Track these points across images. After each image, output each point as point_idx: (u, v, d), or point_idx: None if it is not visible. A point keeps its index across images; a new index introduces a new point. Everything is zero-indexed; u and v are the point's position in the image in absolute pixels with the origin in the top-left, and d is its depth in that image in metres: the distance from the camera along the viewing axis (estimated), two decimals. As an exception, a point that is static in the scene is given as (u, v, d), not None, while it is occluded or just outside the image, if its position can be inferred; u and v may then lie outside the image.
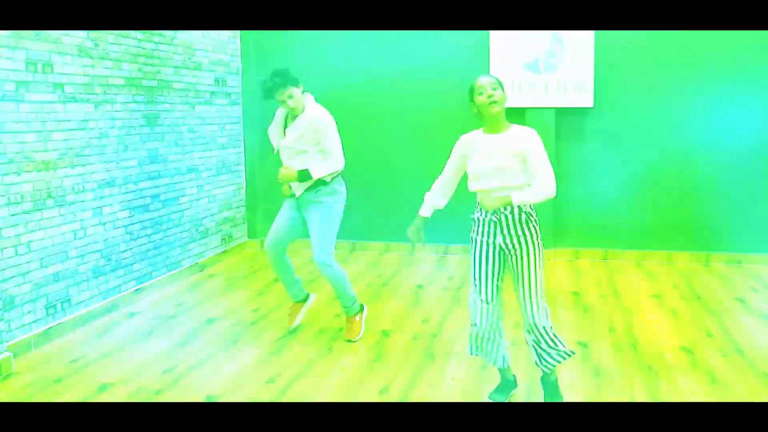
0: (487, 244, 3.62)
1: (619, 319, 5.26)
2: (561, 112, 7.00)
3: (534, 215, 3.63)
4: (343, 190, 4.76)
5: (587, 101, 6.85)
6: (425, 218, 3.91)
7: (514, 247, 3.58)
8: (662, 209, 7.04)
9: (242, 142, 7.66)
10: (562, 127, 7.03)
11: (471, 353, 3.79)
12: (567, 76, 6.83)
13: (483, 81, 3.55)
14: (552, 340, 3.63)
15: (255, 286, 6.28)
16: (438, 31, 7.10)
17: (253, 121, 7.65)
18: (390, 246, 7.51)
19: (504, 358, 3.76)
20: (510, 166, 3.52)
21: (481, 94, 3.52)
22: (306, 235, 4.77)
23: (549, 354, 3.65)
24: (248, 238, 7.84)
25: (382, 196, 7.41)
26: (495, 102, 3.50)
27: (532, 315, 3.58)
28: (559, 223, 7.14)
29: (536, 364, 3.73)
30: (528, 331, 3.65)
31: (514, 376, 3.96)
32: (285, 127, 4.73)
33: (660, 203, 7.04)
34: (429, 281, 6.38)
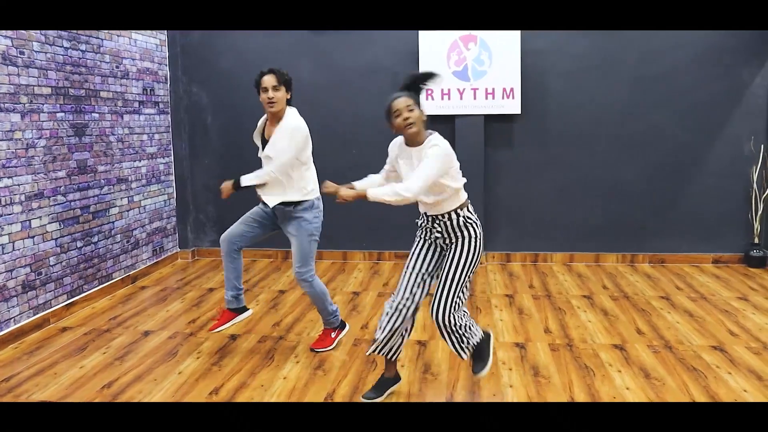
0: (423, 240, 3.88)
1: (554, 320, 5.39)
2: (490, 119, 7.13)
3: (472, 219, 3.79)
4: (321, 205, 4.65)
5: (515, 108, 7.00)
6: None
7: (449, 244, 3.79)
8: (589, 212, 7.25)
9: (171, 151, 7.55)
10: (490, 133, 7.17)
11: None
12: (495, 83, 6.96)
13: (398, 104, 3.59)
14: (450, 334, 3.77)
15: (189, 296, 6.19)
16: (369, 38, 7.16)
17: (181, 131, 7.57)
18: (323, 254, 7.51)
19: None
20: None
21: (397, 116, 3.59)
22: (263, 245, 4.76)
23: (453, 342, 3.79)
24: (179, 248, 7.72)
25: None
26: (411, 124, 3.58)
27: (432, 308, 3.72)
28: (491, 227, 7.27)
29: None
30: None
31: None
32: (263, 135, 4.63)
33: (587, 206, 7.25)
34: (364, 287, 6.41)
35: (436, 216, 3.72)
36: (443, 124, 7.08)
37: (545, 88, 7.12)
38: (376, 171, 7.42)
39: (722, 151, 7.01)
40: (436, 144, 3.58)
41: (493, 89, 6.95)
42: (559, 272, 6.92)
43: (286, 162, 4.38)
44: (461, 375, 4.33)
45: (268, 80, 4.38)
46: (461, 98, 6.97)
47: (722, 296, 5.98)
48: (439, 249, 3.84)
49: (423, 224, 3.83)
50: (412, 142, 3.67)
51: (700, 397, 3.97)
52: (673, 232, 7.20)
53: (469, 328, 3.81)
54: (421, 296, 3.82)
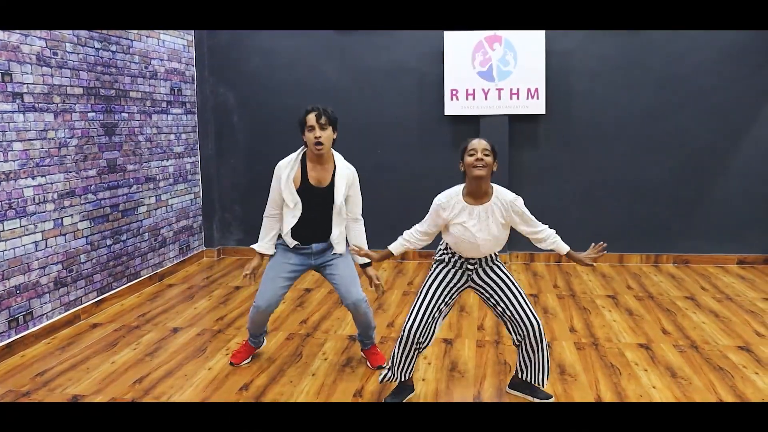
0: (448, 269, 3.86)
1: (578, 319, 5.41)
2: (514, 119, 7.16)
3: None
4: None
5: (539, 108, 7.02)
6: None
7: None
8: (613, 213, 7.25)
9: (198, 151, 7.64)
10: (515, 133, 7.19)
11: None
12: (520, 83, 6.98)
13: (477, 144, 3.60)
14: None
15: (216, 294, 6.27)
16: (393, 40, 7.21)
17: (208, 130, 7.66)
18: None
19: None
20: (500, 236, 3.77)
21: (471, 155, 3.57)
22: None
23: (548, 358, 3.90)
24: (205, 247, 7.81)
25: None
26: (482, 167, 3.56)
27: (534, 325, 3.79)
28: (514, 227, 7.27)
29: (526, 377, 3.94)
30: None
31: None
32: (304, 180, 4.21)
33: (610, 207, 7.25)
34: (389, 286, 6.46)
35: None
36: (468, 124, 7.12)
37: (570, 89, 7.13)
38: (401, 172, 7.45)
39: (747, 152, 6.99)
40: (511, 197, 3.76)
41: (518, 89, 6.97)
42: (583, 272, 6.93)
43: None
44: (488, 372, 4.36)
45: (319, 121, 4.06)
46: (486, 98, 7.00)
47: (747, 297, 5.96)
48: (465, 278, 3.85)
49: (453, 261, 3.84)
50: (477, 191, 3.63)
51: (728, 397, 3.97)
52: (698, 233, 7.18)
53: None
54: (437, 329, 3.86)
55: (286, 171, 4.17)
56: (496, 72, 7.00)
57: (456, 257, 3.80)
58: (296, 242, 4.26)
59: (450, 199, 3.66)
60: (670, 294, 6.09)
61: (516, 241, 7.33)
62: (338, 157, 4.28)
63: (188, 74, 7.45)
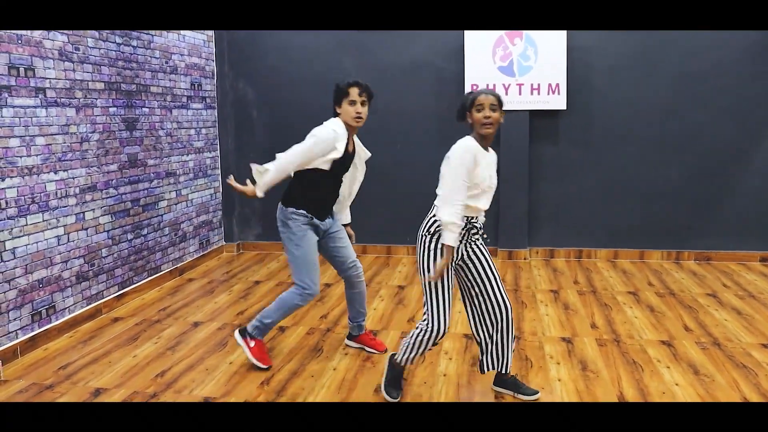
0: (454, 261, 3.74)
1: (600, 316, 5.38)
2: (535, 115, 7.12)
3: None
4: None
5: (560, 104, 6.98)
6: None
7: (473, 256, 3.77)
8: (634, 208, 7.21)
9: (218, 145, 7.66)
10: (536, 129, 7.15)
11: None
12: (540, 79, 6.95)
13: (484, 99, 3.56)
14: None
15: (236, 289, 6.29)
16: (414, 35, 7.19)
17: (227, 125, 7.68)
18: (367, 248, 7.56)
19: None
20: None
21: (479, 110, 3.55)
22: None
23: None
24: (225, 242, 7.84)
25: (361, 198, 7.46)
26: (491, 123, 3.54)
27: (508, 309, 3.80)
28: (534, 222, 7.27)
29: (500, 367, 3.93)
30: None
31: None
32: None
33: (631, 203, 7.21)
34: (409, 281, 6.45)
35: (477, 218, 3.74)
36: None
37: (591, 85, 7.08)
38: (421, 167, 7.43)
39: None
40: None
41: (539, 85, 6.94)
42: (604, 268, 6.89)
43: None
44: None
45: (357, 92, 4.19)
46: (506, 93, 6.96)
47: (771, 294, 5.92)
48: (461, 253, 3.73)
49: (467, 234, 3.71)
50: (486, 142, 3.63)
51: (752, 395, 3.94)
52: (719, 230, 7.12)
53: None
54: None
55: (342, 143, 4.19)
56: (516, 67, 6.96)
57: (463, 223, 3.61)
58: (312, 216, 4.26)
59: (475, 148, 3.55)
60: (692, 291, 6.05)
61: (536, 237, 7.32)
62: None
63: (208, 69, 7.47)
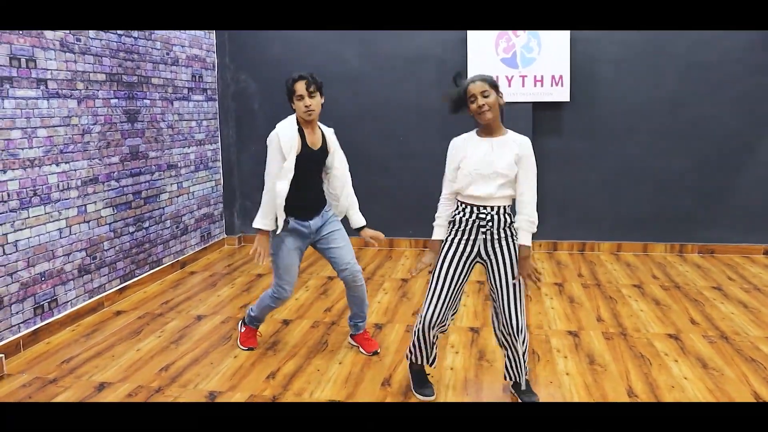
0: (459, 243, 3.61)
1: (605, 309, 5.35)
2: (538, 107, 7.08)
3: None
4: None
5: (564, 95, 6.93)
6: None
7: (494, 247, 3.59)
8: (637, 201, 7.17)
9: (219, 138, 7.61)
10: (539, 121, 7.11)
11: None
12: (544, 70, 6.90)
13: (473, 88, 3.44)
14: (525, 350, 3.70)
15: (239, 282, 6.25)
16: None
17: (228, 117, 7.63)
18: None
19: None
20: (506, 173, 3.48)
21: (472, 102, 3.45)
22: None
23: (525, 359, 3.72)
24: (226, 234, 7.79)
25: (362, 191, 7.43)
26: (487, 110, 3.41)
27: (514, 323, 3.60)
28: (538, 215, 7.21)
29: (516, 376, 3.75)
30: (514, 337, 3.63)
31: None
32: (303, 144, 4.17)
33: (635, 196, 7.17)
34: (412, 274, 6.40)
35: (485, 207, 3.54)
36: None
37: (595, 76, 7.03)
38: (422, 160, 7.38)
39: (775, 140, 6.90)
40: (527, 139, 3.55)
41: (542, 76, 6.89)
42: (607, 261, 6.86)
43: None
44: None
45: (303, 87, 4.05)
46: (510, 85, 6.91)
47: (776, 287, 5.90)
48: (476, 247, 3.59)
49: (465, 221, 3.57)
50: (489, 129, 3.50)
51: (761, 389, 3.91)
52: (723, 223, 7.09)
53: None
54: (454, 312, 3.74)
55: (287, 135, 4.08)
56: (519, 59, 6.92)
57: (468, 213, 3.52)
58: (291, 217, 4.17)
59: (465, 141, 3.56)
60: (697, 284, 6.02)
61: (540, 229, 7.27)
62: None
63: (209, 61, 7.41)
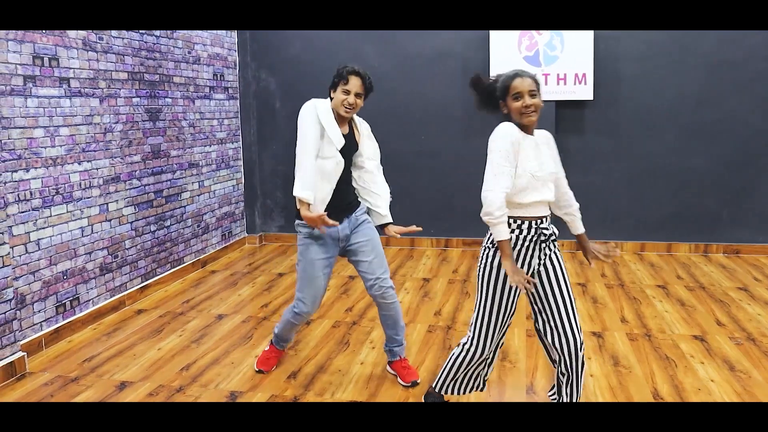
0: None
1: (629, 310, 5.28)
2: (561, 105, 7.01)
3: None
4: None
5: (587, 94, 6.86)
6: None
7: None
8: (661, 201, 7.08)
9: (240, 136, 7.61)
10: (562, 119, 7.05)
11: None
12: (567, 68, 6.84)
13: (520, 85, 3.04)
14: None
15: (260, 281, 6.24)
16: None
17: (250, 116, 7.63)
18: (389, 240, 7.49)
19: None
20: (558, 175, 3.25)
21: (516, 99, 3.04)
22: None
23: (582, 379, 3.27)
24: (247, 233, 7.80)
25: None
26: (534, 112, 3.03)
27: (573, 343, 3.17)
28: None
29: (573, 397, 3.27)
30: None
31: None
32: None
33: (658, 195, 7.09)
34: (434, 274, 6.38)
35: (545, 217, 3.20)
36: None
37: (619, 74, 6.96)
38: (445, 159, 7.34)
39: (803, 139, 6.79)
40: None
41: (565, 75, 6.83)
42: (631, 261, 6.79)
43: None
44: (539, 363, 4.27)
45: (358, 84, 3.71)
46: (532, 84, 6.84)
47: (804, 288, 5.80)
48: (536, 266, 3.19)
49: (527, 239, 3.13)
50: (527, 129, 3.10)
51: (790, 392, 3.84)
52: (749, 223, 6.98)
53: None
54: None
55: (329, 120, 3.72)
56: (542, 57, 6.86)
57: (526, 230, 3.10)
58: (327, 212, 3.65)
59: (514, 132, 3.04)
60: (722, 284, 5.94)
61: (562, 229, 7.21)
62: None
63: (230, 59, 7.41)
